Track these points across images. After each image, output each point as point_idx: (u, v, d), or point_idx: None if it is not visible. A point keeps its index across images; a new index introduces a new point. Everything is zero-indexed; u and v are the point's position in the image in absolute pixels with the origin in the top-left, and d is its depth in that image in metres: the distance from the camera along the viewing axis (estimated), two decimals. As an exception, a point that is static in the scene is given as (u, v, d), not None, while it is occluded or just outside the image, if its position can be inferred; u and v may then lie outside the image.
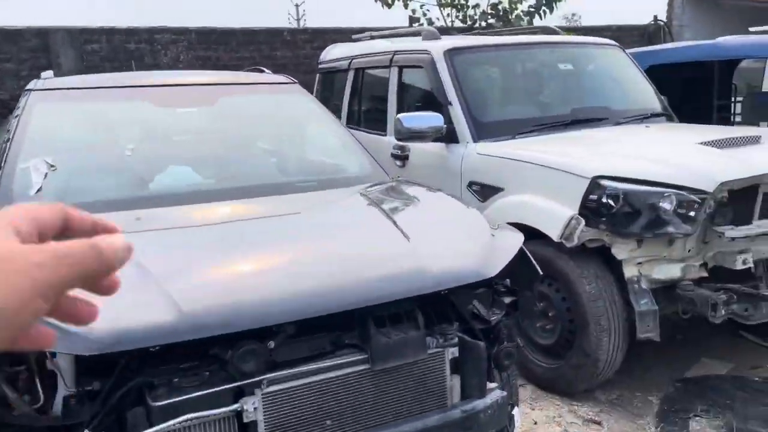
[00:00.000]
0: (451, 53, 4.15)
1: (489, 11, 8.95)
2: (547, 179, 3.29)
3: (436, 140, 4.01)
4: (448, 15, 9.24)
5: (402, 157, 4.50)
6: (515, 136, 3.85)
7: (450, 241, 2.09)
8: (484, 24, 8.84)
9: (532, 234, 3.31)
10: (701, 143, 3.24)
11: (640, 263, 3.14)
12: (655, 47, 6.18)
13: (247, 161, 2.80)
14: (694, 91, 5.84)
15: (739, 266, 3.11)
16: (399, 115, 3.95)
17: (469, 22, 9.08)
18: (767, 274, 3.30)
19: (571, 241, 3.08)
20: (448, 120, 3.99)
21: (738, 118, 5.92)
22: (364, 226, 2.16)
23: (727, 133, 3.47)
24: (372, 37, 5.56)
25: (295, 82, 3.47)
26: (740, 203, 3.16)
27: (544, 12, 8.42)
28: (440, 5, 9.17)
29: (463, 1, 9.05)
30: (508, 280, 2.32)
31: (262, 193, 2.52)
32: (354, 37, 5.82)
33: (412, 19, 9.01)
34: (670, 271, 3.12)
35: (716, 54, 5.41)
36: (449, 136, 3.97)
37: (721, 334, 3.87)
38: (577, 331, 3.20)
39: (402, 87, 4.66)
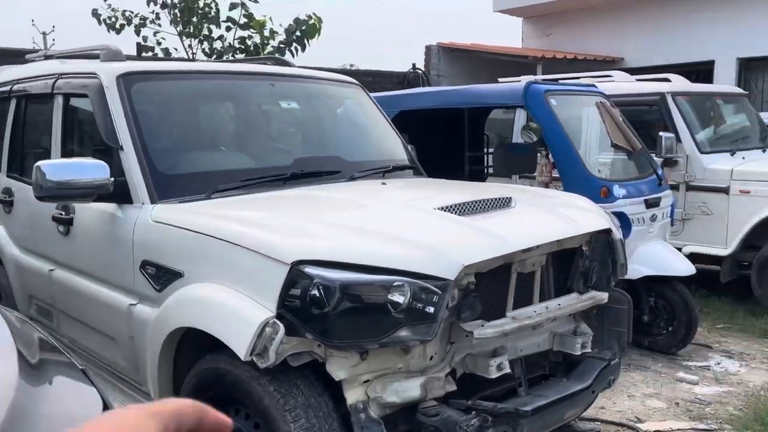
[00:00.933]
0: (126, 79, 2.97)
1: (237, 45, 7.94)
2: (236, 263, 2.24)
3: (101, 200, 2.79)
4: (189, 46, 8.05)
5: (65, 221, 3.19)
6: (211, 196, 2.77)
7: None
8: (231, 58, 7.79)
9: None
10: (441, 208, 2.44)
11: (367, 382, 2.20)
12: (406, 91, 5.62)
13: None
14: (447, 141, 5.34)
15: (494, 374, 2.32)
16: (40, 163, 2.67)
17: (214, 57, 7.98)
18: (526, 375, 2.58)
19: (265, 360, 2.04)
20: (120, 170, 2.80)
21: (491, 170, 5.53)
22: None
23: (472, 193, 2.74)
24: (47, 57, 4.17)
25: None
26: (490, 289, 2.41)
27: (296, 49, 7.63)
28: (180, 34, 7.96)
29: (206, 32, 7.94)
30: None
31: None
32: (27, 56, 4.37)
33: (142, 48, 7.67)
34: (408, 390, 2.22)
35: (466, 101, 4.94)
36: (120, 194, 2.77)
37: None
38: (283, 489, 2.15)
39: (67, 123, 3.36)
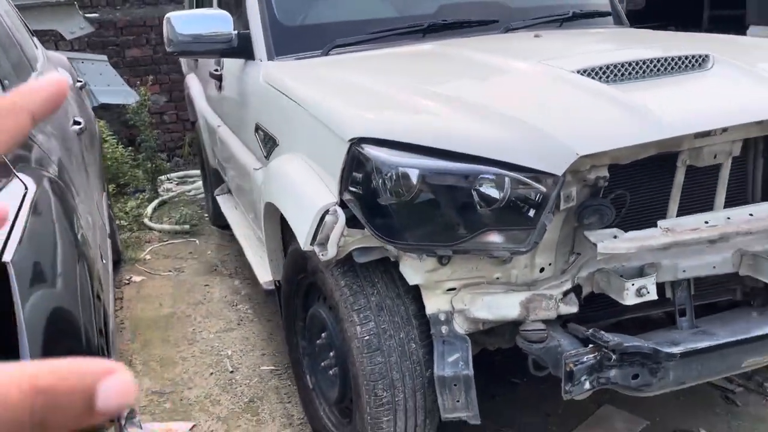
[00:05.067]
0: None
1: None
2: (316, 136, 1.91)
3: (226, 55, 2.63)
4: None
5: (218, 77, 3.13)
6: (328, 52, 2.42)
7: None
8: None
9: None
10: (581, 71, 1.77)
11: (453, 290, 1.79)
12: None
13: None
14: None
15: (631, 300, 1.73)
16: (170, 14, 2.56)
17: None
18: (693, 300, 1.92)
19: (326, 252, 1.74)
20: (245, 22, 2.58)
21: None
22: None
23: (648, 49, 1.98)
24: None
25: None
26: (641, 188, 1.75)
27: None
28: None
29: None
30: None
31: None
32: None
33: None
34: (502, 308, 1.75)
35: None
36: (245, 49, 2.56)
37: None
38: (353, 392, 1.93)
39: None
